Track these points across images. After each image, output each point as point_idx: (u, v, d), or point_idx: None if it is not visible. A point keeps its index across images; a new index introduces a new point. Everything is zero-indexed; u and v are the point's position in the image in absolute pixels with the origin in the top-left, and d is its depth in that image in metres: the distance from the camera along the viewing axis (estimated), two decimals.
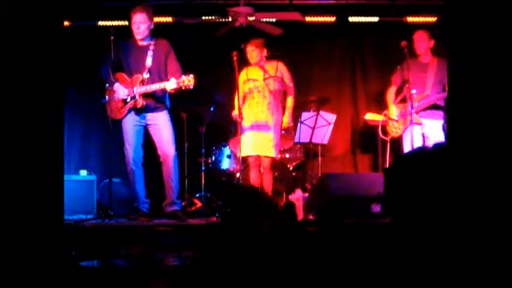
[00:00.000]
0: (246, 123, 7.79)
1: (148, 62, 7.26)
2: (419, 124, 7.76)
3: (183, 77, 6.98)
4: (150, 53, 7.29)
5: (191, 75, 6.97)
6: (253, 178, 7.92)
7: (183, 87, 7.00)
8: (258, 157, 7.85)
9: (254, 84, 7.86)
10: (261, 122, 7.80)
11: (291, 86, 8.02)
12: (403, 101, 8.07)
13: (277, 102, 7.93)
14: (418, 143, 7.71)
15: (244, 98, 7.93)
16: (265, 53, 7.97)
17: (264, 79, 7.88)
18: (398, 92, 8.18)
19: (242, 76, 7.92)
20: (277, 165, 8.52)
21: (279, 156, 8.58)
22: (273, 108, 7.85)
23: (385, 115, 8.21)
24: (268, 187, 7.88)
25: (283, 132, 8.21)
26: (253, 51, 7.93)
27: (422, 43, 7.92)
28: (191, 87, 7.00)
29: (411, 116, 7.51)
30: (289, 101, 8.02)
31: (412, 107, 7.53)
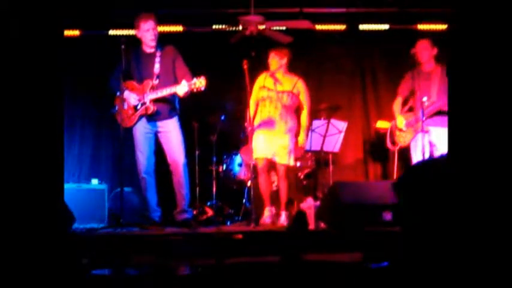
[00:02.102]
0: (259, 130, 7.81)
1: (157, 68, 7.29)
2: (426, 132, 7.75)
3: (195, 79, 7.00)
4: (157, 59, 7.33)
5: (202, 77, 6.99)
6: (263, 184, 7.89)
7: (195, 90, 7.02)
8: (268, 161, 7.82)
9: (268, 93, 7.85)
10: (274, 125, 7.81)
11: (308, 106, 7.99)
12: (410, 110, 8.12)
13: (289, 113, 7.90)
14: (426, 151, 7.72)
15: (257, 105, 7.93)
16: (284, 61, 7.95)
17: (278, 91, 7.88)
18: (404, 102, 8.22)
19: (260, 81, 7.94)
20: (289, 173, 8.52)
21: (295, 164, 8.60)
22: (286, 117, 7.83)
23: (392, 126, 8.24)
24: (283, 196, 7.87)
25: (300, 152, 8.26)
26: (273, 59, 7.93)
27: (425, 51, 7.93)
28: (202, 88, 7.01)
29: (422, 124, 7.50)
30: (304, 119, 7.99)
31: (423, 115, 7.52)
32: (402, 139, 8.09)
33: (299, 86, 7.95)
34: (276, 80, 7.90)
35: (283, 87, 7.89)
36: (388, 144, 8.28)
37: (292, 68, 8.14)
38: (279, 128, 7.78)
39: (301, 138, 7.96)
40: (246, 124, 7.99)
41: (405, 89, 8.16)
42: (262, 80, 7.95)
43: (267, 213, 7.83)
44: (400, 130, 8.09)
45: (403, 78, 8.21)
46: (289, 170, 8.00)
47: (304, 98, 7.96)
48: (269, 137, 7.74)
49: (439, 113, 7.75)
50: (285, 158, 7.78)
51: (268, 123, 7.78)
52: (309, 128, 8.09)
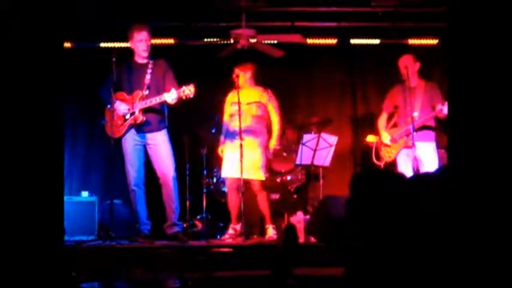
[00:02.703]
0: (228, 144, 7.95)
1: (148, 79, 7.30)
2: (411, 147, 7.79)
3: (184, 87, 7.01)
4: (149, 71, 7.34)
5: (191, 85, 7.00)
6: (230, 201, 7.96)
7: (184, 97, 7.01)
8: (237, 179, 7.78)
9: (235, 108, 7.86)
10: (251, 134, 7.89)
11: (276, 114, 8.03)
12: (395, 126, 8.18)
13: (260, 126, 7.98)
14: (410, 166, 7.79)
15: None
16: (249, 75, 8.00)
17: (248, 103, 7.91)
18: (389, 117, 8.29)
19: (230, 98, 8.01)
20: (278, 187, 8.50)
21: (278, 179, 8.63)
22: (256, 131, 7.91)
23: (377, 142, 8.32)
24: (265, 209, 7.90)
25: (271, 156, 8.27)
26: (237, 74, 7.99)
27: (408, 67, 7.95)
28: (191, 96, 7.01)
29: (413, 138, 7.53)
30: (275, 126, 8.02)
31: (413, 129, 7.55)
32: (387, 154, 8.16)
33: (266, 96, 7.99)
34: (248, 95, 7.94)
35: (252, 99, 7.92)
36: (374, 160, 8.35)
37: (283, 81, 8.16)
38: (250, 143, 7.81)
39: (272, 141, 7.96)
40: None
41: (390, 105, 8.24)
42: (231, 96, 7.98)
43: (230, 231, 7.91)
44: (386, 145, 8.15)
45: (388, 94, 8.29)
46: (268, 183, 8.02)
47: (272, 108, 7.98)
48: (239, 154, 7.73)
49: (423, 127, 7.79)
50: (258, 174, 7.85)
51: (247, 131, 7.84)
52: (281, 133, 8.12)
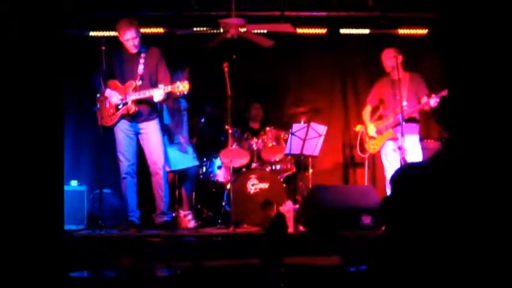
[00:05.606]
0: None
1: (141, 69, 7.27)
2: (396, 139, 7.83)
3: (178, 82, 6.99)
4: (142, 60, 7.31)
5: (186, 81, 6.98)
6: None
7: (178, 93, 7.02)
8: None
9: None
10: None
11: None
12: (380, 118, 8.22)
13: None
14: (395, 158, 7.83)
15: None
16: None
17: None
18: (374, 110, 8.34)
19: None
20: (267, 176, 8.49)
21: (268, 168, 8.66)
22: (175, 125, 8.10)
23: (361, 133, 8.39)
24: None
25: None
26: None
27: (389, 61, 8.00)
28: (185, 92, 7.03)
29: (402, 128, 7.55)
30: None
31: (403, 119, 7.58)
32: (372, 146, 8.23)
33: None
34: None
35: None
36: (358, 151, 8.43)
37: (273, 71, 8.14)
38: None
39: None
40: None
41: (375, 98, 8.30)
42: None
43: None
44: (371, 138, 8.19)
45: (373, 87, 8.36)
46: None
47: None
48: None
49: (408, 120, 7.81)
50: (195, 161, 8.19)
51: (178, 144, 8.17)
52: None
